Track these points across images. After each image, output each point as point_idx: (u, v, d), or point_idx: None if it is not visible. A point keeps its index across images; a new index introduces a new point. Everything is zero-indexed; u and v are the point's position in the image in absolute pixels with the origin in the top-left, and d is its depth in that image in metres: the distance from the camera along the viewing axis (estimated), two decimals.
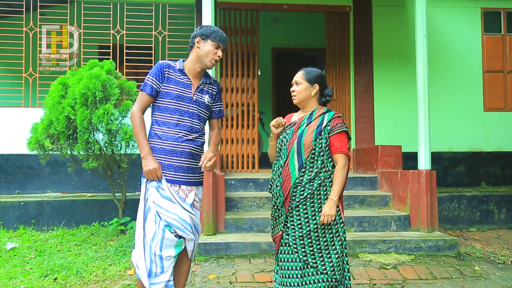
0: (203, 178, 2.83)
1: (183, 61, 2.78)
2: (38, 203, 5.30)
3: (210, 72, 4.32)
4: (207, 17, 4.60)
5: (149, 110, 2.75)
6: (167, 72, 2.69)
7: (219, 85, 2.90)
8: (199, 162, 2.72)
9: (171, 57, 6.31)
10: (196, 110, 2.71)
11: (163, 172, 2.64)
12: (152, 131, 2.71)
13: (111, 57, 5.85)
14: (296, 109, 2.83)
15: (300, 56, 8.93)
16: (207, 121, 2.88)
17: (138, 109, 2.66)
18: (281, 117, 2.77)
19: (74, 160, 4.90)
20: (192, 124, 2.69)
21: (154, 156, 2.65)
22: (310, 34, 8.52)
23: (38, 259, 4.18)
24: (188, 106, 2.68)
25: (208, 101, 2.78)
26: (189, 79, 2.72)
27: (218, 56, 2.71)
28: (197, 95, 2.73)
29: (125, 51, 6.17)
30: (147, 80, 2.68)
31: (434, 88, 6.20)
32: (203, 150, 2.80)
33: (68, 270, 3.84)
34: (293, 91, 2.74)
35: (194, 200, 2.74)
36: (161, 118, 2.67)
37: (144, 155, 2.61)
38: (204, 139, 2.79)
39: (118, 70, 5.02)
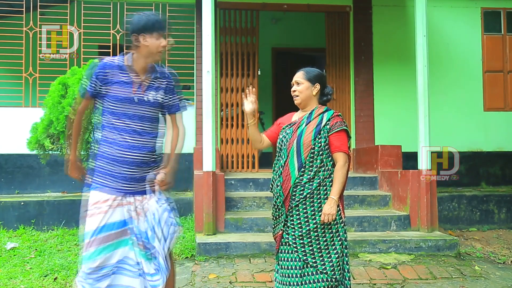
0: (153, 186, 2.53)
1: (123, 56, 2.55)
2: (38, 203, 5.30)
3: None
4: (207, 17, 4.60)
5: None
6: (103, 72, 2.47)
7: (171, 76, 2.66)
8: (146, 170, 2.49)
9: (171, 57, 6.32)
10: (139, 111, 2.46)
11: (105, 181, 2.47)
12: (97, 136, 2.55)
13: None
14: (296, 108, 2.83)
15: (300, 56, 8.91)
16: (166, 118, 2.64)
17: (78, 111, 2.58)
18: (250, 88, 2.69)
19: None
20: (136, 127, 2.45)
21: (99, 161, 2.50)
22: (310, 34, 8.50)
23: (38, 259, 4.18)
24: (128, 107, 2.45)
25: (155, 98, 2.52)
26: (130, 76, 2.47)
27: (163, 46, 2.55)
28: (139, 94, 2.47)
29: (125, 51, 6.15)
30: (83, 82, 2.52)
31: (434, 88, 6.18)
32: (154, 155, 2.52)
33: (68, 270, 3.84)
34: (294, 91, 2.72)
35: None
36: (103, 122, 2.51)
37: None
38: (154, 144, 2.53)
39: None
